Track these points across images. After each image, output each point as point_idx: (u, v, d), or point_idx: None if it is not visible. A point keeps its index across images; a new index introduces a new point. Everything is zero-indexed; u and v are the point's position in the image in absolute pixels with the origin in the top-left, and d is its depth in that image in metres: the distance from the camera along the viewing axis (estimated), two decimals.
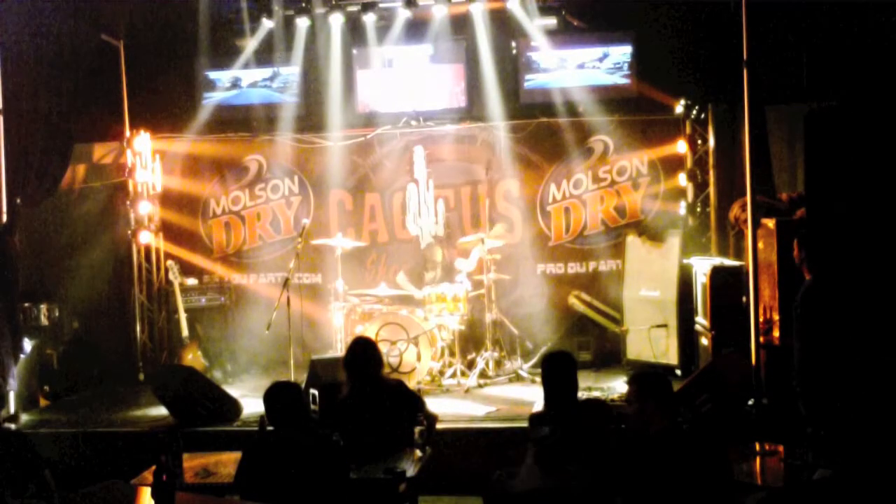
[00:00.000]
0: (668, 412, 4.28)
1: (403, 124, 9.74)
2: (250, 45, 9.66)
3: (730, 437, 5.77)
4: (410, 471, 4.76)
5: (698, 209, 9.28)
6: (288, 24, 9.54)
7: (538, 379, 6.96)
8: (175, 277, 9.32)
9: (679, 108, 9.36)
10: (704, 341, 8.00)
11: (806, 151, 6.16)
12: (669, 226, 9.10)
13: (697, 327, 8.28)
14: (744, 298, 7.28)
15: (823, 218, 5.32)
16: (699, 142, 9.34)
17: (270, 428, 4.65)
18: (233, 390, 7.86)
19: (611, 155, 9.59)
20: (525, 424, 5.06)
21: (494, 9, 9.37)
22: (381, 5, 9.27)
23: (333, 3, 9.35)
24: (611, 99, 9.42)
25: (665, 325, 8.58)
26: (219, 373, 9.11)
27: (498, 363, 8.59)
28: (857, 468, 4.26)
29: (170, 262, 9.53)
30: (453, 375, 8.37)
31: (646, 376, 4.54)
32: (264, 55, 9.74)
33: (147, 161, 9.78)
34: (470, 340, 8.77)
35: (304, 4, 9.34)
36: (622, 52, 9.33)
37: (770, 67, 7.52)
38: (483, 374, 8.39)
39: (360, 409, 5.19)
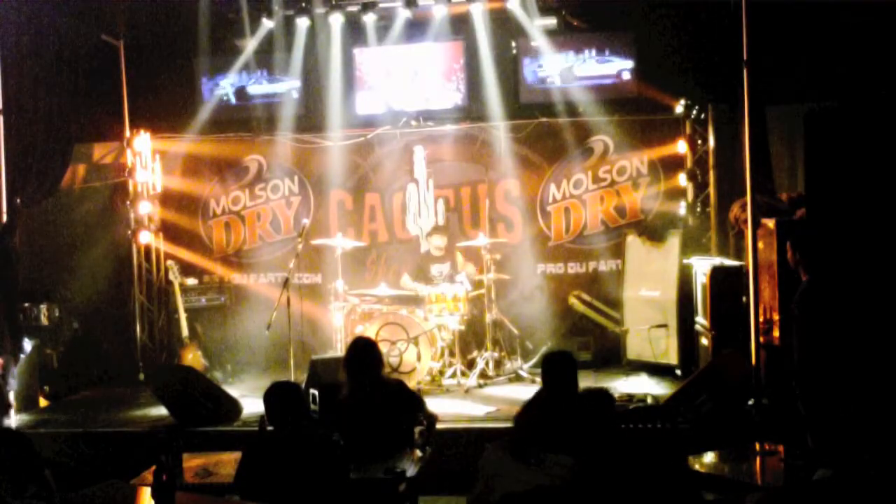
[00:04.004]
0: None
1: (403, 124, 9.73)
2: (250, 45, 9.67)
3: (730, 437, 5.80)
4: (410, 471, 4.76)
5: (698, 209, 9.27)
6: (288, 24, 9.54)
7: (538, 379, 6.95)
8: (175, 277, 9.31)
9: (679, 108, 9.35)
10: (704, 341, 8.00)
11: (806, 151, 6.16)
12: (669, 226, 9.10)
13: (697, 327, 8.28)
14: (744, 298, 7.28)
15: (823, 218, 5.32)
16: (699, 142, 9.33)
17: (270, 428, 4.65)
18: (233, 390, 7.86)
19: (611, 155, 9.58)
20: None
21: (494, 9, 9.36)
22: (381, 5, 9.25)
23: (333, 3, 9.33)
24: (611, 99, 9.42)
25: (665, 325, 8.58)
26: (219, 373, 9.10)
27: (498, 363, 8.58)
28: (856, 468, 4.26)
29: (170, 262, 9.53)
30: (453, 375, 8.36)
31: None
32: (264, 55, 9.76)
33: (147, 161, 9.78)
34: (470, 340, 8.76)
35: (304, 4, 9.33)
36: (622, 52, 9.32)
37: (770, 67, 7.51)
38: (483, 374, 8.39)
39: (360, 409, 5.19)
